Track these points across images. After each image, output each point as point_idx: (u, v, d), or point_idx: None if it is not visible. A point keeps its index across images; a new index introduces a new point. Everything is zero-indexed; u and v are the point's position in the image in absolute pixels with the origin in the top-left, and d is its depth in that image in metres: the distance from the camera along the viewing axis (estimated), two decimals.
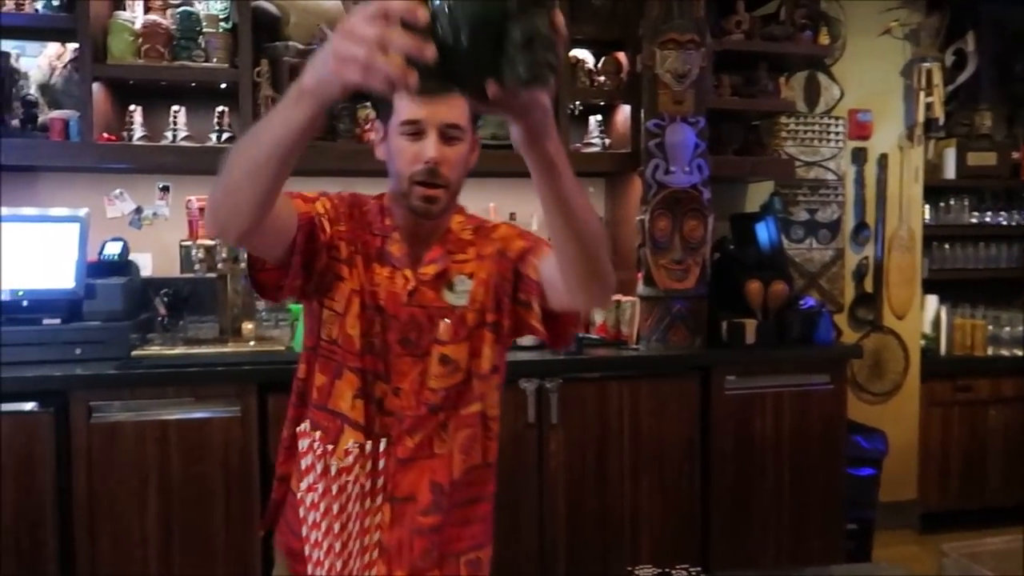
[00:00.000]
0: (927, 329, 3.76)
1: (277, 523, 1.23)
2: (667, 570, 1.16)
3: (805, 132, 3.51)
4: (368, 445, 1.07)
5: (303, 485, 0.98)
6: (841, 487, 2.81)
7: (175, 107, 2.76)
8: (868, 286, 3.55)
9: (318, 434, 0.96)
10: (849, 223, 3.56)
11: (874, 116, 3.57)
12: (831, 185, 3.54)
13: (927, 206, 3.71)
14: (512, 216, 3.08)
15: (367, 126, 2.83)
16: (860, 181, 3.56)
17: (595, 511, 2.59)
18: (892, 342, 3.55)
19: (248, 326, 2.66)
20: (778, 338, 2.83)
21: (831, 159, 3.53)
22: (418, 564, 1.16)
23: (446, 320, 1.26)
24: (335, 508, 0.96)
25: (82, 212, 2.60)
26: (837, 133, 3.54)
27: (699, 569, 1.16)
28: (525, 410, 2.50)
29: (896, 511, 3.42)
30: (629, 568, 1.17)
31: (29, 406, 2.23)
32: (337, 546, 0.97)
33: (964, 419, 3.58)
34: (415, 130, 1.22)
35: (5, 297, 2.42)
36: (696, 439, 2.67)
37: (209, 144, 2.75)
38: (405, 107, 1.21)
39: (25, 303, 2.44)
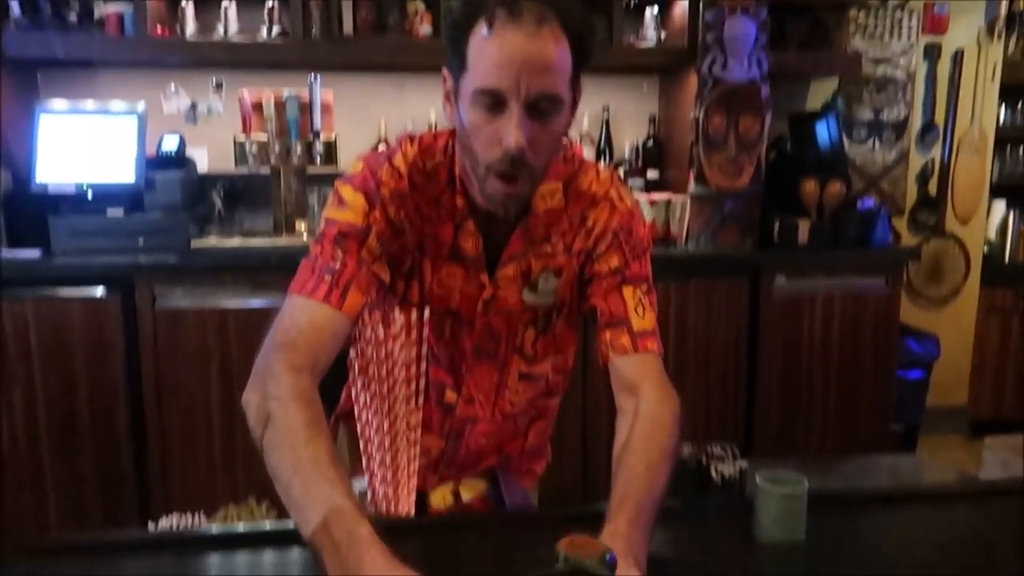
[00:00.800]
0: (992, 235, 3.62)
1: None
2: (703, 446, 1.18)
3: (875, 26, 3.32)
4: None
5: (351, 351, 1.02)
6: (890, 389, 2.79)
7: (225, 2, 2.75)
8: (932, 189, 3.42)
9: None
10: (916, 123, 3.40)
11: (951, 9, 3.35)
12: (900, 83, 3.36)
13: (1002, 106, 3.52)
14: (605, 109, 3.04)
15: (416, 19, 2.78)
16: (931, 79, 3.38)
17: None
18: (953, 247, 3.44)
19: (300, 225, 2.72)
20: (832, 239, 2.77)
21: (902, 55, 3.35)
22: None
23: (530, 331, 1.09)
24: (382, 372, 1.01)
25: (139, 107, 2.65)
26: (910, 27, 3.34)
27: (735, 446, 1.18)
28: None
29: (944, 416, 3.39)
30: None
31: (98, 291, 2.35)
32: (384, 407, 1.02)
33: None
34: (495, 102, 0.91)
35: (70, 190, 2.51)
36: (743, 340, 2.67)
37: (260, 38, 2.75)
38: (483, 68, 0.91)
39: (89, 195, 2.53)
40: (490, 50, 0.90)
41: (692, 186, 2.77)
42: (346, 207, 1.01)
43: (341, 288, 0.98)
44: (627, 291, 1.08)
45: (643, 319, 1.07)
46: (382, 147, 2.98)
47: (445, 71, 0.99)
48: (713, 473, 1.16)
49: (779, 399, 2.72)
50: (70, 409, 2.36)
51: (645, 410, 1.02)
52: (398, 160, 1.02)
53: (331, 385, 1.07)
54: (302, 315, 0.98)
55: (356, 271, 0.98)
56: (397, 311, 1.03)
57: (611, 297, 1.07)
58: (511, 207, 1.01)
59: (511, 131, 0.91)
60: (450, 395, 1.13)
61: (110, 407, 2.37)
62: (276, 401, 0.90)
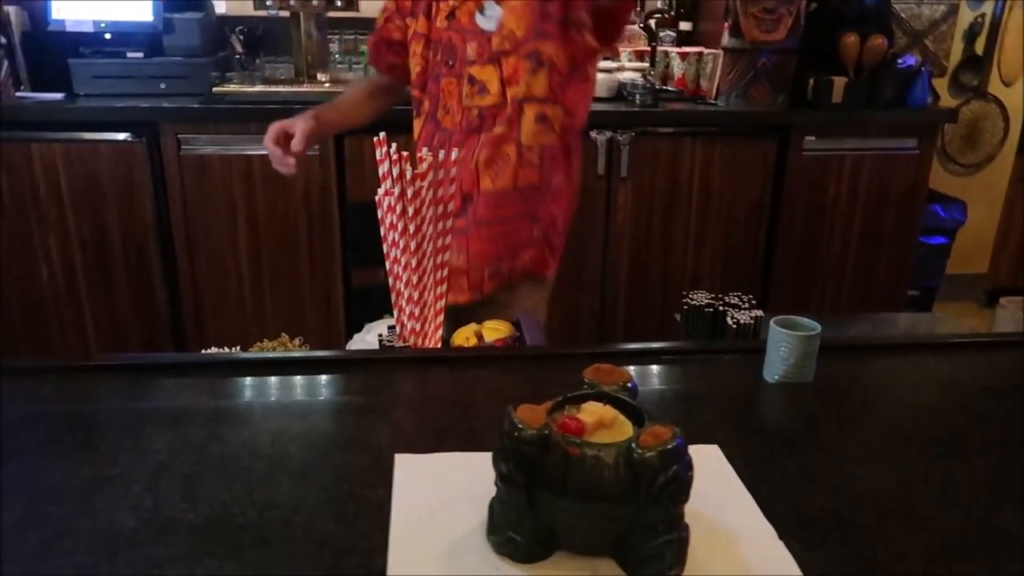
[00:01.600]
0: None
1: None
2: (721, 296, 1.21)
3: None
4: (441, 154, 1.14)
5: (380, 190, 1.04)
6: (911, 253, 2.79)
7: None
8: (979, 48, 3.26)
9: (394, 144, 1.00)
10: None
11: None
12: None
13: None
14: None
15: None
16: None
17: (657, 265, 2.66)
18: (994, 111, 3.32)
19: (322, 75, 2.66)
20: (868, 99, 2.67)
21: None
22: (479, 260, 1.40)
23: (473, 43, 1.35)
24: (410, 210, 1.03)
25: None
26: None
27: (752, 296, 1.21)
28: (595, 161, 2.51)
29: (963, 284, 3.40)
30: (684, 292, 1.23)
31: (123, 136, 2.36)
32: (412, 245, 1.05)
33: None
34: None
35: (88, 28, 2.46)
36: (767, 200, 2.65)
37: None
38: None
39: (108, 35, 2.48)
40: None
41: (725, 39, 2.65)
42: None
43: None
44: None
45: None
46: None
47: None
48: (728, 320, 1.19)
49: (798, 259, 2.73)
50: (104, 251, 2.44)
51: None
52: None
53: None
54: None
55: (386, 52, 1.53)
56: (426, 150, 1.04)
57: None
58: None
59: None
60: (437, 107, 1.43)
61: (142, 250, 2.44)
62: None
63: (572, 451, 0.62)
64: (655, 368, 1.04)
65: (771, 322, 0.98)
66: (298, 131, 1.42)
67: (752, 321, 1.19)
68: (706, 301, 1.24)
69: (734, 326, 1.18)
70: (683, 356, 1.07)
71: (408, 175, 1.01)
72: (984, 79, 3.30)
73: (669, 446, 0.61)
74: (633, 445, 0.61)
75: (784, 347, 0.96)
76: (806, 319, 0.99)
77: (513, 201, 1.41)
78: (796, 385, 0.97)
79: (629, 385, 0.71)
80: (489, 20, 1.34)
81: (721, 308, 1.22)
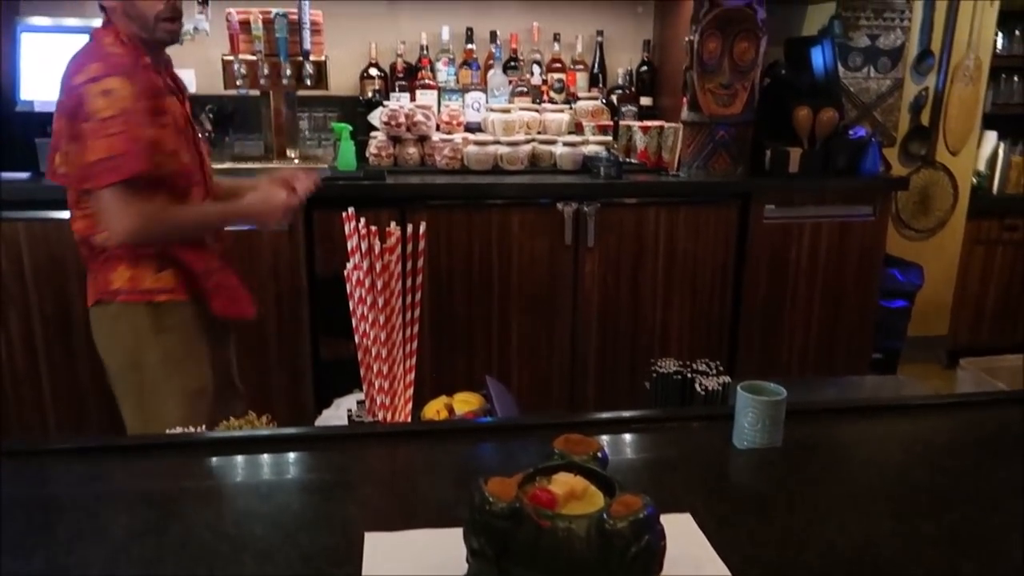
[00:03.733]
0: (981, 167, 3.64)
1: None
2: (689, 363, 1.23)
3: None
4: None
5: (349, 264, 1.05)
6: (872, 316, 2.86)
7: None
8: (925, 119, 3.41)
9: (363, 219, 1.02)
10: (912, 51, 3.37)
11: None
12: (897, 8, 3.32)
13: (999, 34, 3.48)
14: (556, 37, 3.00)
15: None
16: (930, 4, 3.33)
17: (626, 329, 2.69)
18: (943, 178, 3.46)
19: (291, 152, 2.70)
20: (823, 168, 2.78)
21: None
22: None
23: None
24: (379, 284, 1.04)
25: None
26: None
27: (719, 363, 1.23)
28: (562, 231, 2.55)
29: (924, 345, 3.47)
30: (652, 360, 1.24)
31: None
32: (381, 319, 1.05)
33: (1007, 259, 3.55)
34: None
35: (43, 108, 2.48)
36: (730, 264, 2.71)
37: None
38: None
39: None
40: None
41: (685, 113, 2.75)
42: (111, 97, 1.51)
43: (132, 160, 1.52)
44: None
45: None
46: (373, 70, 2.94)
47: None
48: (697, 387, 1.20)
49: (763, 324, 2.78)
50: (65, 326, 2.39)
51: None
52: (125, 59, 1.55)
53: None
54: None
55: (132, 146, 1.53)
56: (393, 224, 1.06)
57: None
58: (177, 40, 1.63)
59: None
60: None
61: None
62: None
63: (544, 523, 0.61)
64: (626, 436, 1.04)
65: (739, 388, 0.99)
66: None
67: (720, 387, 1.20)
68: (674, 368, 1.26)
69: (702, 392, 1.19)
70: (653, 424, 1.08)
71: (376, 249, 1.02)
72: (931, 148, 3.45)
73: (640, 515, 0.61)
74: (605, 516, 0.61)
75: (752, 413, 0.97)
76: (772, 384, 1.00)
77: None
78: (765, 449, 0.97)
79: (599, 455, 0.71)
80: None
81: (689, 375, 1.23)
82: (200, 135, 1.75)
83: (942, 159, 3.46)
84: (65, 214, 2.33)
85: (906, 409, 1.14)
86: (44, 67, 2.49)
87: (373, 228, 1.03)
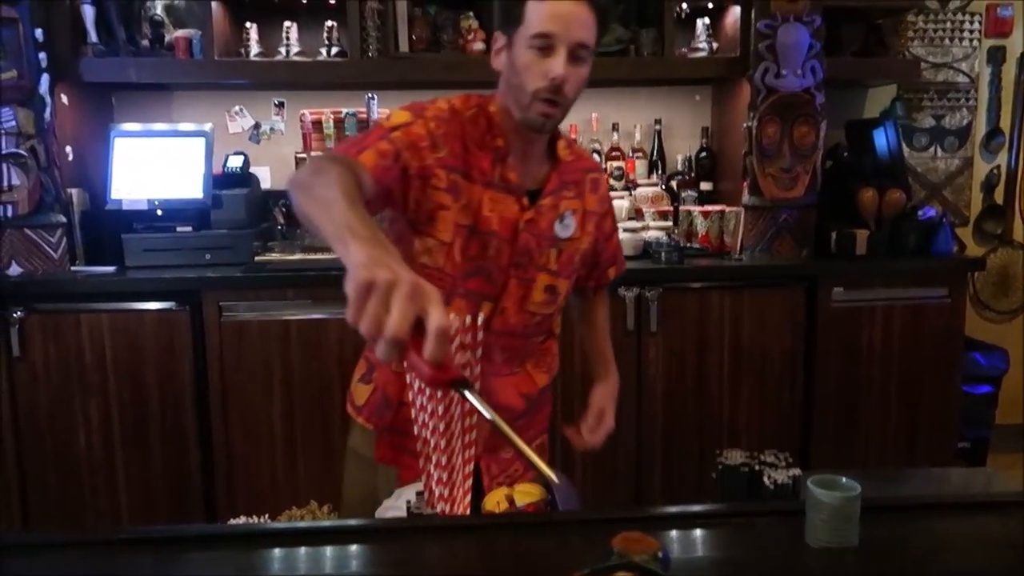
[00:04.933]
0: None
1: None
2: (757, 454, 1.18)
3: (935, 30, 3.26)
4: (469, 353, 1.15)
5: (417, 400, 1.07)
6: (955, 404, 2.72)
7: (287, 23, 2.86)
8: (998, 197, 3.32)
9: None
10: (981, 129, 3.32)
11: (1015, 11, 3.27)
12: (962, 88, 3.29)
13: None
14: (615, 127, 3.06)
15: (470, 36, 2.84)
16: (996, 83, 3.29)
17: (692, 417, 2.62)
18: (1021, 257, 3.33)
19: None
20: (892, 250, 2.71)
21: (963, 60, 3.27)
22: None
23: (554, 250, 1.33)
24: (442, 426, 1.07)
25: (207, 127, 2.77)
26: (972, 31, 3.27)
27: (788, 455, 1.18)
28: (624, 318, 2.53)
29: (1014, 434, 3.27)
30: (718, 452, 1.20)
31: (168, 304, 2.45)
32: (440, 409, 1.06)
33: None
34: (545, 44, 1.19)
35: (143, 206, 2.64)
36: (800, 350, 2.63)
37: (320, 58, 2.85)
38: (538, 19, 1.19)
39: (159, 212, 2.65)
40: (545, 7, 1.20)
41: (746, 197, 2.75)
42: (391, 118, 1.24)
43: (359, 147, 1.17)
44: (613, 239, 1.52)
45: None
46: None
47: (497, 32, 1.27)
48: (766, 480, 1.16)
49: (837, 413, 2.67)
50: (142, 417, 2.47)
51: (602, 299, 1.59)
52: (440, 101, 1.28)
53: None
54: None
55: (377, 142, 1.17)
56: (453, 315, 1.07)
57: (608, 245, 1.50)
58: (548, 127, 1.27)
59: (558, 65, 1.19)
60: (486, 307, 1.29)
61: (179, 414, 2.47)
62: (328, 170, 1.01)
63: None
64: (690, 532, 1.00)
65: (808, 483, 0.95)
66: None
67: (790, 480, 1.15)
68: (741, 460, 1.21)
69: (771, 486, 1.14)
70: (718, 519, 1.03)
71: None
72: (1008, 227, 3.34)
73: None
74: None
75: (824, 510, 0.93)
76: (844, 478, 0.95)
77: (549, 387, 1.49)
78: (840, 549, 0.92)
79: (660, 555, 0.69)
80: (566, 228, 1.34)
81: (757, 467, 1.18)
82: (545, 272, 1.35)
83: (1019, 237, 3.35)
84: (145, 304, 2.46)
85: (998, 506, 1.07)
86: (133, 168, 2.67)
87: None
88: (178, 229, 2.64)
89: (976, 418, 2.88)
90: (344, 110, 2.82)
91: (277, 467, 2.51)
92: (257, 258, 2.62)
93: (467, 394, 0.76)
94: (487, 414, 0.75)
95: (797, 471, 1.16)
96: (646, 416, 2.60)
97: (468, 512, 1.13)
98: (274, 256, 2.66)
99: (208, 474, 2.51)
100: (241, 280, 2.48)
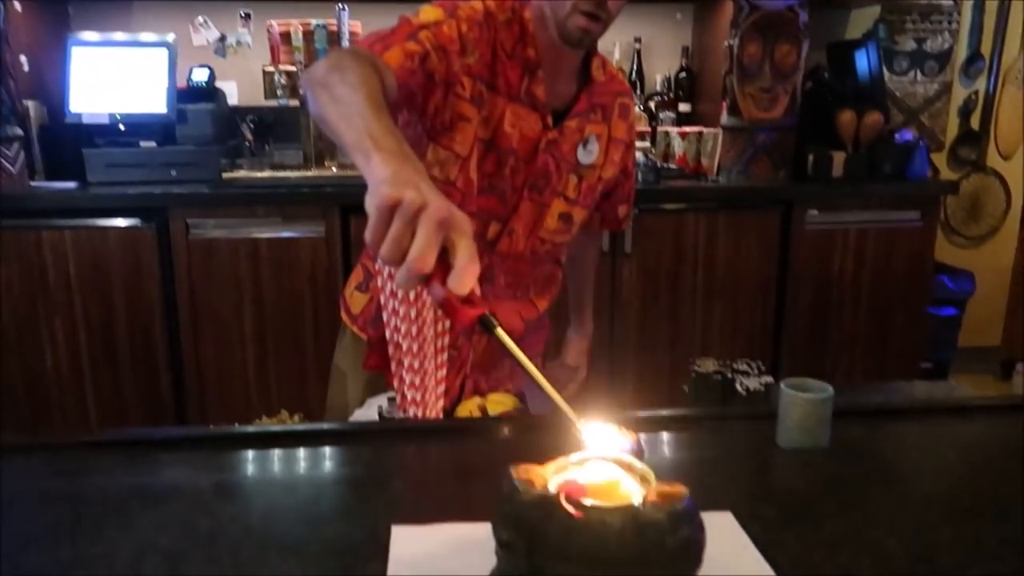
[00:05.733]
0: None
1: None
2: (728, 363, 1.19)
3: None
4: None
5: (389, 304, 1.04)
6: (921, 325, 2.76)
7: None
8: (974, 123, 3.32)
9: None
10: (961, 54, 3.28)
11: None
12: (945, 11, 3.23)
13: None
14: (637, 40, 2.98)
15: None
16: (979, 6, 3.24)
17: (665, 337, 2.64)
18: (994, 184, 3.35)
19: (330, 162, 2.72)
20: (868, 172, 2.71)
21: None
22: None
23: (574, 176, 1.24)
24: (414, 330, 1.04)
25: (170, 38, 2.65)
26: None
27: (762, 363, 1.18)
28: (599, 240, 2.51)
29: (976, 356, 3.35)
30: (691, 360, 1.20)
31: (133, 222, 2.39)
32: (412, 313, 1.04)
33: None
34: None
35: (104, 120, 2.54)
36: (773, 273, 2.65)
37: None
38: None
39: (121, 126, 2.55)
40: None
41: (724, 118, 2.72)
42: (420, 14, 1.10)
43: (384, 44, 1.04)
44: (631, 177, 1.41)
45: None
46: None
47: None
48: (738, 387, 1.16)
49: (808, 332, 2.70)
50: (111, 336, 2.43)
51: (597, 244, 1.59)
52: (476, 2, 1.15)
53: None
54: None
55: (404, 40, 1.05)
56: None
57: (627, 182, 1.40)
58: (586, 43, 1.17)
59: None
60: (494, 228, 1.22)
61: (148, 333, 2.44)
62: (350, 67, 0.89)
63: (576, 514, 0.58)
64: (663, 435, 1.01)
65: (782, 384, 0.95)
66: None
67: (762, 387, 1.16)
68: (714, 368, 1.22)
69: (744, 393, 1.15)
70: (692, 423, 1.04)
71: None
72: (982, 153, 3.34)
73: (678, 507, 0.57)
74: (640, 506, 0.58)
75: (797, 411, 0.93)
76: (817, 382, 0.96)
77: (547, 312, 1.43)
78: (810, 450, 0.93)
79: (636, 445, 0.68)
80: (589, 155, 1.25)
81: (730, 375, 1.19)
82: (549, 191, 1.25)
83: (993, 164, 3.36)
84: (109, 221, 2.39)
85: (963, 411, 1.08)
86: (92, 81, 2.55)
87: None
88: (142, 144, 2.55)
89: (940, 340, 2.94)
90: (313, 21, 2.70)
91: (249, 385, 2.50)
92: (225, 175, 2.55)
93: (497, 332, 0.70)
94: (516, 354, 0.70)
95: (769, 379, 1.17)
96: (619, 339, 2.62)
97: (441, 415, 1.13)
98: (242, 173, 2.59)
99: (179, 393, 2.50)
100: (209, 197, 2.42)
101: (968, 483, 0.91)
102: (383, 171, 0.70)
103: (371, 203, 0.66)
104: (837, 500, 0.85)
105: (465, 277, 0.66)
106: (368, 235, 0.67)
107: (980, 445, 1.01)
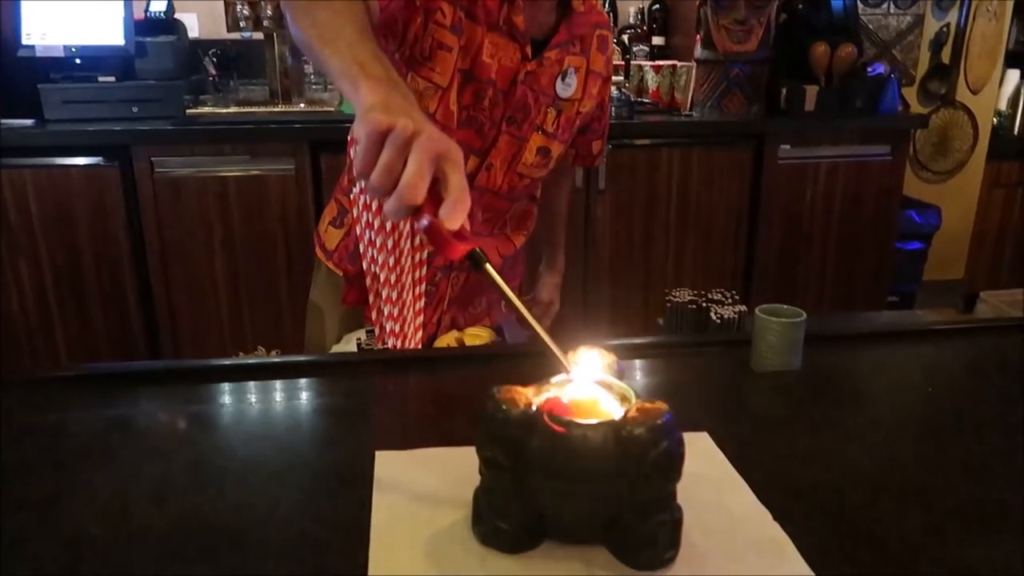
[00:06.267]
0: (1003, 106, 3.55)
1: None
2: (703, 292, 1.20)
3: None
4: None
5: (355, 188, 1.02)
6: (889, 259, 2.81)
7: None
8: (945, 57, 3.32)
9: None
10: None
11: None
12: None
13: None
14: None
15: None
16: None
17: (638, 273, 2.66)
18: (962, 118, 3.38)
19: (297, 99, 2.65)
20: (840, 106, 2.71)
21: None
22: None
23: (553, 110, 1.21)
24: (391, 260, 1.02)
25: None
26: None
27: (735, 292, 1.20)
28: (573, 176, 2.50)
29: (940, 289, 3.43)
30: (666, 291, 1.22)
31: (95, 160, 2.32)
32: (390, 243, 1.03)
33: None
34: None
35: (59, 53, 2.44)
36: (745, 206, 2.66)
37: None
38: None
39: (78, 60, 2.46)
40: None
41: (698, 51, 2.69)
42: None
43: None
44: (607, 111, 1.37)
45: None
46: None
47: None
48: (712, 315, 1.18)
49: (778, 266, 2.74)
50: (77, 276, 2.39)
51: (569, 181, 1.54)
52: None
53: None
54: None
55: None
56: None
57: (603, 117, 1.36)
58: None
59: None
60: (472, 162, 1.18)
61: (116, 274, 2.40)
62: None
63: (559, 430, 0.59)
64: (640, 362, 1.02)
65: (756, 310, 0.97)
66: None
67: (736, 316, 1.18)
68: (689, 298, 1.23)
69: (718, 321, 1.16)
70: (668, 349, 1.06)
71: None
72: (952, 87, 3.35)
73: (659, 422, 0.59)
74: (621, 422, 0.59)
75: (771, 335, 0.95)
76: (791, 308, 0.97)
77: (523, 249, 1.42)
78: (783, 373, 0.95)
79: (616, 366, 0.69)
80: (567, 88, 1.21)
81: (704, 304, 1.20)
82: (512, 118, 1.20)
83: (963, 98, 3.37)
84: (70, 160, 2.32)
85: (928, 334, 1.11)
86: (45, 11, 2.44)
87: None
88: (100, 79, 2.47)
89: (906, 273, 2.99)
90: None
91: (223, 324, 2.48)
92: (189, 112, 2.48)
93: (486, 268, 0.69)
94: (505, 291, 0.69)
95: (743, 308, 1.19)
96: (592, 275, 2.63)
97: (420, 345, 1.13)
98: (207, 109, 2.52)
99: (152, 334, 2.48)
100: (173, 134, 2.36)
101: (933, 401, 0.94)
102: (372, 97, 0.68)
103: (361, 129, 0.64)
104: (808, 419, 0.87)
105: (457, 210, 0.65)
106: (357, 163, 0.65)
107: (945, 366, 1.04)
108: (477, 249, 0.67)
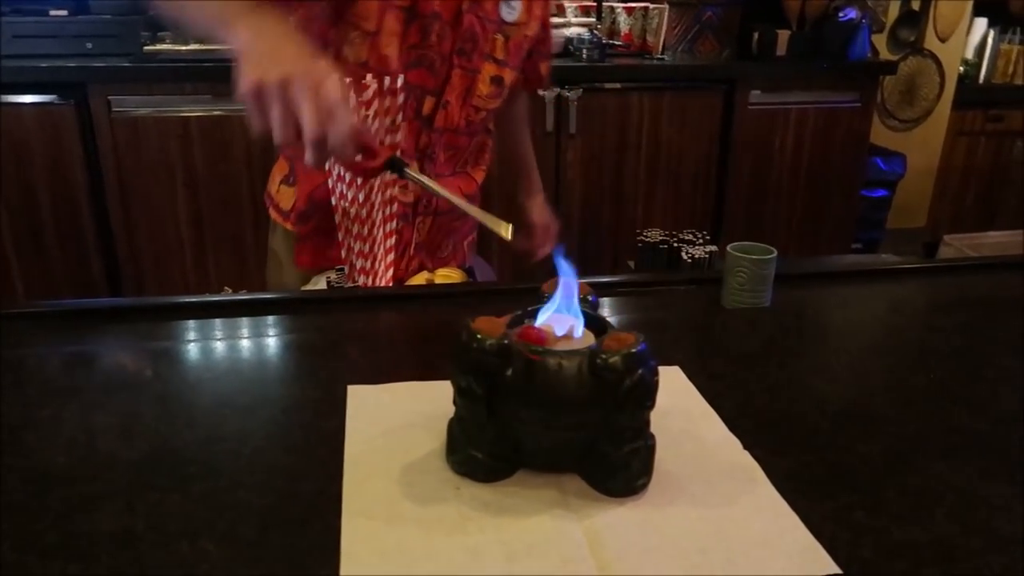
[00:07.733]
0: (969, 55, 3.57)
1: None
2: (674, 233, 1.20)
3: None
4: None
5: (334, 170, 0.99)
6: (855, 206, 2.85)
7: None
8: (915, 3, 3.31)
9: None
10: None
11: None
12: None
13: None
14: None
15: None
16: None
17: (609, 217, 2.66)
18: (930, 66, 3.39)
19: None
20: (812, 52, 2.70)
21: None
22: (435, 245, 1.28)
23: (500, 36, 1.18)
24: (361, 196, 0.99)
25: None
26: None
27: (705, 233, 1.20)
28: (543, 118, 2.48)
29: (903, 238, 3.48)
30: (638, 232, 1.22)
31: (50, 98, 2.24)
32: (363, 213, 1.01)
33: (989, 150, 3.53)
34: None
35: None
36: (715, 151, 2.66)
37: None
38: None
39: None
40: None
41: None
42: None
43: None
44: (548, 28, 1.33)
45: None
46: None
47: None
48: (684, 255, 1.18)
49: (746, 210, 2.76)
50: (35, 218, 2.32)
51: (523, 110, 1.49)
52: None
53: None
54: None
55: None
56: (369, 77, 1.00)
57: (548, 37, 1.34)
58: None
59: None
60: (428, 103, 1.15)
61: (75, 216, 2.33)
62: None
63: (534, 358, 0.59)
64: (612, 300, 1.03)
65: (728, 247, 0.97)
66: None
67: (707, 256, 1.18)
68: (660, 238, 1.23)
69: (689, 260, 1.17)
70: (640, 287, 1.06)
71: (352, 102, 0.96)
72: (920, 34, 3.36)
73: (633, 350, 0.59)
74: (597, 350, 0.59)
75: (741, 272, 0.96)
76: (761, 245, 0.98)
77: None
78: (754, 310, 0.96)
79: (590, 299, 0.69)
80: (512, 11, 1.18)
81: (675, 244, 1.21)
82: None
83: (931, 46, 3.38)
84: (22, 97, 2.23)
85: (894, 273, 1.13)
86: None
87: (347, 80, 0.97)
88: (51, 13, 2.36)
89: (870, 220, 3.04)
90: None
91: (187, 268, 2.44)
92: (147, 48, 2.39)
93: (406, 172, 0.71)
94: (429, 185, 0.71)
95: (714, 247, 1.19)
96: (563, 219, 2.62)
97: (391, 283, 1.12)
98: (166, 47, 2.43)
99: (114, 277, 2.43)
100: (130, 71, 2.27)
101: (899, 336, 0.96)
102: (236, 50, 0.68)
103: (238, 90, 0.66)
104: (777, 353, 0.88)
105: (354, 135, 0.68)
106: (253, 127, 0.67)
107: (909, 302, 1.06)
108: (395, 154, 0.71)
